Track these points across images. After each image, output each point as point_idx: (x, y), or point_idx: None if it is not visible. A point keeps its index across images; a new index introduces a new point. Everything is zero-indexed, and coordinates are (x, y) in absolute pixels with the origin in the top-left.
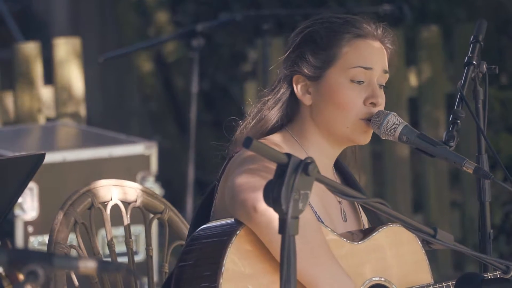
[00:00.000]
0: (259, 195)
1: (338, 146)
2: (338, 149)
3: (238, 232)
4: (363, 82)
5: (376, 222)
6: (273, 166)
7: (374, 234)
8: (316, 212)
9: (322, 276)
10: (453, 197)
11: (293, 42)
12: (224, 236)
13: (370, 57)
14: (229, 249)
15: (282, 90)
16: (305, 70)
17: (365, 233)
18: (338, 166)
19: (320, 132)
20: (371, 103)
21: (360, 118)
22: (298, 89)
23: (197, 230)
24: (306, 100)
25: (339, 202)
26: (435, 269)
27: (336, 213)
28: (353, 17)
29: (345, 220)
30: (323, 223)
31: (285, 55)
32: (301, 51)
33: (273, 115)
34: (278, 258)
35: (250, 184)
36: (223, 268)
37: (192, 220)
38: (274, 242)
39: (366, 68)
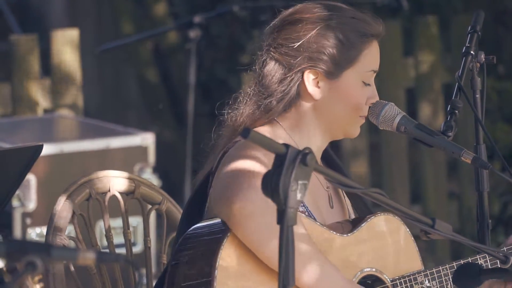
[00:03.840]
0: (246, 198)
1: (328, 139)
2: (327, 142)
3: (229, 233)
4: (370, 84)
5: (362, 209)
6: (265, 162)
7: (362, 224)
8: (306, 207)
9: (305, 269)
10: (451, 188)
11: (305, 30)
12: (218, 234)
13: (378, 59)
14: (221, 249)
15: (292, 82)
16: (323, 66)
17: (354, 224)
18: (325, 155)
19: (319, 127)
20: (372, 102)
21: (360, 115)
22: (309, 82)
23: (189, 230)
24: (316, 94)
25: (326, 189)
26: (433, 259)
27: (324, 201)
28: (366, 14)
29: (332, 207)
30: (313, 216)
31: (298, 43)
32: (321, 45)
33: (280, 106)
34: (262, 258)
35: (238, 185)
36: (216, 270)
37: (183, 214)
38: (259, 246)
39: (375, 71)
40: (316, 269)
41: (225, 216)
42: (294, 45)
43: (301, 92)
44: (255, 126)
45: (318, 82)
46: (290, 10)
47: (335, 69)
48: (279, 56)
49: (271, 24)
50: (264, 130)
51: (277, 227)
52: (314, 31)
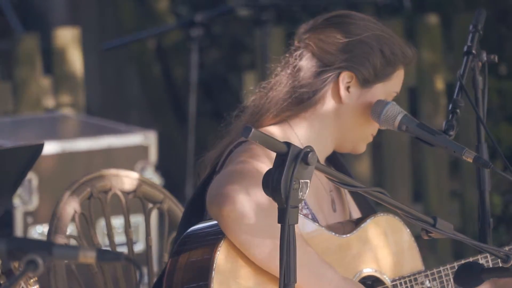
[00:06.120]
0: (235, 201)
1: (333, 149)
2: (331, 151)
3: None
4: None
5: (367, 209)
6: (266, 163)
7: (362, 225)
8: (310, 209)
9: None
10: (453, 187)
11: (353, 33)
12: (217, 235)
13: (401, 85)
14: (219, 250)
15: (328, 79)
16: (363, 71)
17: (355, 224)
18: (329, 155)
19: (332, 134)
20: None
21: (372, 133)
22: (344, 84)
23: (188, 230)
24: (345, 97)
25: (330, 192)
26: (434, 258)
27: (327, 205)
28: (406, 42)
29: (335, 211)
30: (316, 218)
31: (343, 43)
32: (366, 51)
33: (310, 102)
34: (254, 260)
35: (228, 188)
36: (213, 272)
37: (183, 213)
38: (250, 249)
39: (396, 94)
40: (308, 269)
41: (216, 218)
42: (339, 44)
43: (329, 93)
44: (269, 122)
45: (349, 87)
46: (335, 13)
47: (372, 78)
48: (319, 51)
49: (311, 21)
50: (273, 130)
51: (268, 228)
52: (362, 36)
